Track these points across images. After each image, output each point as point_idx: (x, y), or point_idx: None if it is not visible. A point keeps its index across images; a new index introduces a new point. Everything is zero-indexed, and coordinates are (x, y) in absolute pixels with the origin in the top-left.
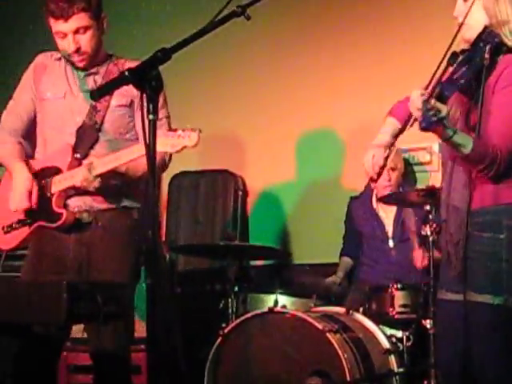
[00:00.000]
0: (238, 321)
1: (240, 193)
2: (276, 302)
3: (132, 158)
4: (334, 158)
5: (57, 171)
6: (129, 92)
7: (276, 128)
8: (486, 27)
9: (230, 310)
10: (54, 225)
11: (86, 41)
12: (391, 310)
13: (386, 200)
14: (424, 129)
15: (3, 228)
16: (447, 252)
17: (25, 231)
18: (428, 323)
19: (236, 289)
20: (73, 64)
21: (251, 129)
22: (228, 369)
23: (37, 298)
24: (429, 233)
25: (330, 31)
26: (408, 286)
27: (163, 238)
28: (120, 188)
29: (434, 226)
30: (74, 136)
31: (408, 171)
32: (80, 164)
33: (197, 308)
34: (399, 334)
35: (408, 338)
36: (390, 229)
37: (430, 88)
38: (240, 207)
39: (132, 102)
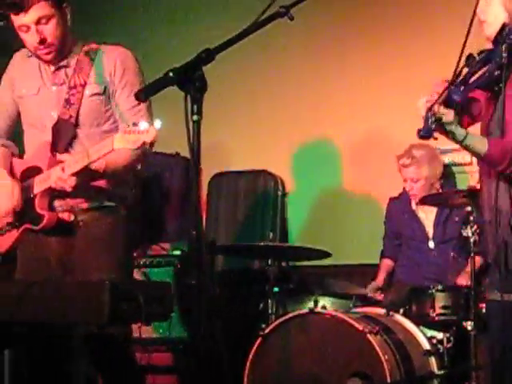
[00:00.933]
0: (278, 322)
1: (279, 193)
2: (316, 303)
3: (100, 155)
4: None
5: (38, 171)
6: (105, 76)
7: (314, 131)
8: (504, 25)
9: (270, 311)
10: (37, 227)
11: (50, 31)
12: (432, 311)
13: (425, 201)
14: (421, 137)
15: None
16: (494, 256)
17: (14, 234)
18: (469, 325)
19: (276, 289)
20: (41, 59)
21: (290, 131)
22: (268, 370)
23: (79, 298)
24: (470, 234)
25: (333, 43)
26: (449, 288)
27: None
28: (103, 188)
29: (475, 227)
30: (51, 132)
31: (448, 172)
32: (58, 163)
33: (236, 309)
34: (440, 335)
35: (448, 340)
36: (430, 230)
37: (437, 94)
38: (279, 207)
39: (105, 89)
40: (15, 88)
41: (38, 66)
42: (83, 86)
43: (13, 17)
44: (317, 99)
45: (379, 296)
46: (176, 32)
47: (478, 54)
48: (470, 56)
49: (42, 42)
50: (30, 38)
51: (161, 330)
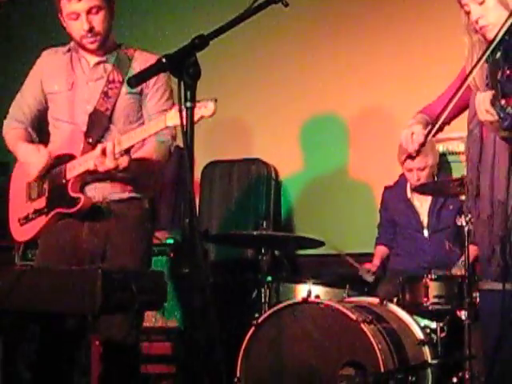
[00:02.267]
0: (271, 311)
1: (273, 182)
2: (309, 292)
3: (157, 129)
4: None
5: (70, 158)
6: None
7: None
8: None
9: (263, 300)
10: (73, 209)
11: (98, 21)
12: (425, 300)
13: (420, 190)
14: (507, 128)
15: (19, 220)
16: (492, 248)
17: (42, 221)
18: (463, 314)
19: (269, 279)
20: (84, 48)
21: (283, 118)
22: (261, 359)
23: (70, 286)
24: (464, 223)
25: (343, 23)
26: (443, 277)
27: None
28: (131, 179)
29: (470, 216)
30: (85, 123)
31: (443, 161)
32: (93, 148)
33: (229, 298)
34: (433, 324)
35: (442, 329)
36: (424, 218)
37: (494, 89)
38: (273, 196)
39: (142, 91)
40: (45, 85)
41: (71, 61)
42: (121, 82)
43: (62, 3)
44: (310, 86)
45: (370, 277)
46: (169, 20)
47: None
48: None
49: (91, 30)
50: (79, 26)
51: (153, 320)
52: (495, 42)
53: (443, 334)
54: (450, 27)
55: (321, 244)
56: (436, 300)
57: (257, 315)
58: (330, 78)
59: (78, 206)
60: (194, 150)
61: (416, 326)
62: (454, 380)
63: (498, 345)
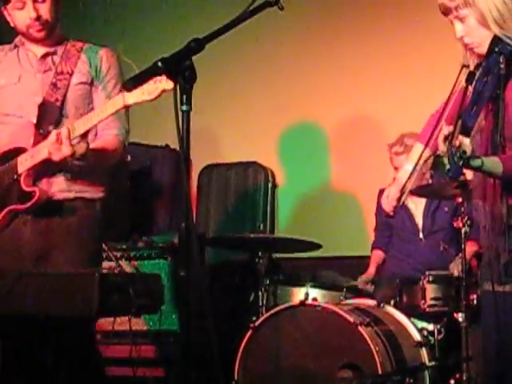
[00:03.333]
0: (269, 314)
1: (269, 185)
2: (307, 295)
3: (110, 113)
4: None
5: (21, 151)
6: (89, 70)
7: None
8: (495, 37)
9: (261, 303)
10: (28, 204)
11: (46, 9)
12: (422, 302)
13: (416, 193)
14: (451, 178)
15: None
16: (488, 257)
17: None
18: (460, 316)
19: (266, 281)
20: (31, 39)
21: (278, 122)
22: (258, 361)
23: (67, 290)
24: (461, 225)
25: (323, 34)
26: (439, 279)
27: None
28: (84, 175)
29: (466, 218)
30: (35, 115)
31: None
32: (45, 139)
33: (227, 301)
34: (430, 326)
35: (439, 331)
36: (419, 221)
37: (453, 127)
38: (270, 199)
39: (92, 81)
40: None
41: (18, 56)
42: (70, 74)
43: None
44: (307, 92)
45: (370, 288)
46: (165, 23)
47: (476, 69)
48: (470, 74)
49: (38, 18)
50: (25, 15)
51: (151, 323)
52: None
53: (440, 336)
54: (437, 37)
55: (318, 247)
56: (433, 302)
57: (254, 318)
58: (325, 84)
59: (34, 200)
60: (190, 154)
61: (413, 328)
62: (452, 382)
63: (500, 347)
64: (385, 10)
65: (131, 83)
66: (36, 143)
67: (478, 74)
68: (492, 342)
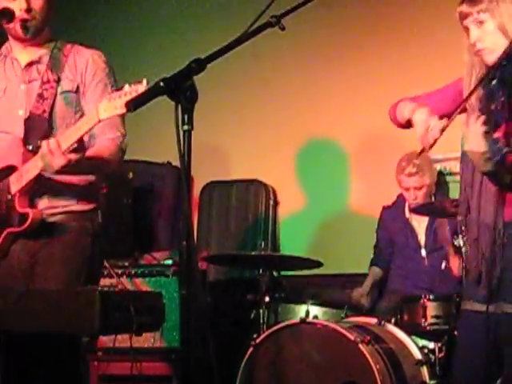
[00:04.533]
0: (270, 331)
1: (271, 202)
2: (307, 313)
3: (90, 126)
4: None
5: (12, 170)
6: (76, 76)
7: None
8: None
9: (262, 321)
10: (21, 228)
11: (37, 3)
12: (423, 320)
13: (418, 210)
14: (498, 162)
15: None
16: (479, 271)
17: None
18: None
19: (267, 299)
20: (17, 38)
21: (280, 140)
22: (260, 379)
23: (69, 307)
24: (461, 243)
25: (340, 49)
26: (440, 297)
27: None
28: (69, 189)
29: (466, 236)
30: (22, 128)
31: (441, 181)
32: (35, 155)
33: (228, 318)
34: (431, 345)
35: (440, 350)
36: (422, 238)
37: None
38: (271, 217)
39: (78, 88)
40: None
41: (3, 66)
42: (57, 81)
43: None
44: (307, 110)
45: (365, 301)
46: (166, 42)
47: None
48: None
49: (29, 10)
50: (17, 5)
51: (152, 340)
52: (492, 70)
53: (441, 354)
54: (447, 49)
55: (318, 265)
56: (434, 320)
57: (255, 335)
58: (328, 101)
59: (27, 223)
60: (191, 172)
61: (414, 347)
62: None
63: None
64: (396, 22)
65: (135, 104)
66: (25, 160)
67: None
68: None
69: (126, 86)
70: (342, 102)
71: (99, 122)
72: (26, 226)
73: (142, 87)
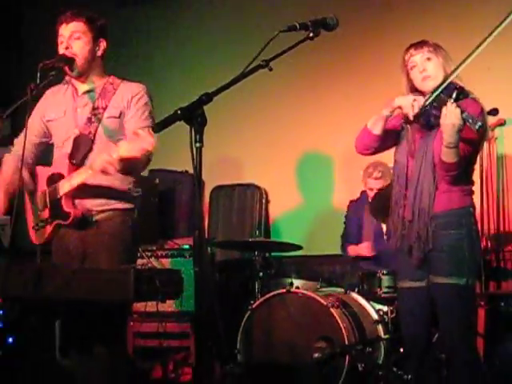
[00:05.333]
0: (263, 299)
1: (263, 201)
2: (291, 284)
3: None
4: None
5: (60, 177)
6: (121, 104)
7: (288, 152)
8: (445, 78)
9: (257, 291)
10: (66, 222)
11: (77, 46)
12: (379, 290)
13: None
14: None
15: (33, 227)
16: (409, 246)
17: (48, 229)
18: None
19: (261, 274)
20: (67, 74)
21: (273, 152)
22: (255, 335)
23: (111, 280)
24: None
25: (331, 73)
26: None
27: (206, 237)
28: (112, 193)
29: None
30: (71, 145)
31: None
32: (77, 169)
33: (231, 289)
34: (385, 308)
35: (392, 312)
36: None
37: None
38: (264, 213)
39: (121, 113)
40: (46, 114)
41: (65, 92)
42: (104, 109)
43: (58, 28)
44: (298, 126)
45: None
46: (186, 77)
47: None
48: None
49: (67, 48)
50: (61, 46)
51: (173, 305)
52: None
53: (392, 315)
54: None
55: (298, 248)
56: (387, 290)
57: (252, 302)
58: (316, 120)
59: (70, 219)
60: (202, 178)
61: (372, 310)
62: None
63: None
64: (384, 42)
65: (158, 127)
66: (69, 171)
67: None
68: (412, 330)
69: (140, 132)
70: (327, 119)
71: (122, 159)
72: (69, 221)
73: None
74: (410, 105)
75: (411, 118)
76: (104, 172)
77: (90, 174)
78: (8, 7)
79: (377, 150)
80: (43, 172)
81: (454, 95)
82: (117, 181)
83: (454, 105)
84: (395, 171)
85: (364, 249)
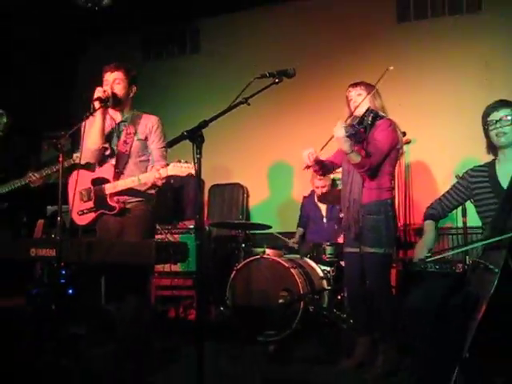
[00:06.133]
0: (244, 262)
1: (245, 195)
2: (264, 252)
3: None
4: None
5: (105, 180)
6: (145, 131)
7: (263, 160)
8: (368, 108)
9: (240, 256)
10: (112, 212)
11: (118, 88)
12: (324, 256)
13: (322, 201)
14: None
15: (77, 212)
16: (349, 225)
17: (91, 216)
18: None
19: (243, 245)
20: (106, 105)
21: (251, 161)
22: (239, 288)
23: (140, 249)
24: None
25: (289, 108)
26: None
27: (206, 219)
28: (139, 192)
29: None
30: (114, 158)
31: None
32: (120, 175)
33: (223, 256)
34: (328, 268)
35: (333, 271)
36: (324, 213)
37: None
38: (245, 203)
39: (147, 137)
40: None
41: (110, 122)
42: (134, 133)
43: (104, 74)
44: (272, 141)
45: (294, 245)
46: (190, 110)
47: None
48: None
49: (111, 93)
50: (106, 87)
51: (182, 266)
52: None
53: (333, 274)
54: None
55: (269, 227)
56: (329, 255)
57: (237, 264)
58: (281, 138)
59: (115, 211)
60: (202, 179)
61: (319, 270)
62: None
63: (356, 286)
64: (329, 85)
65: (169, 145)
66: (115, 178)
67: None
68: (352, 284)
69: (183, 163)
70: (289, 138)
71: (164, 177)
72: (114, 212)
73: (192, 166)
74: (306, 157)
75: (309, 164)
76: (153, 185)
77: (134, 183)
78: (64, 64)
79: (324, 174)
80: (85, 174)
81: (372, 117)
82: (141, 185)
83: (339, 122)
84: (342, 174)
85: None
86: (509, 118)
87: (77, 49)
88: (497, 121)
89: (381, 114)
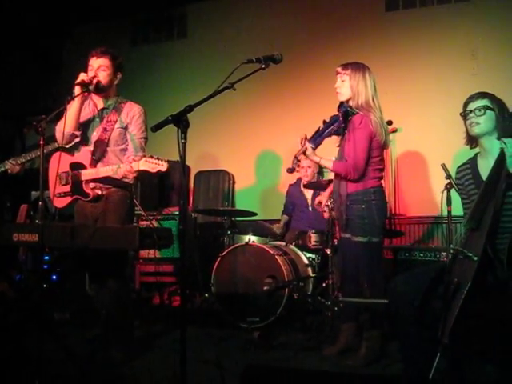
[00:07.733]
0: (229, 249)
1: (231, 182)
2: (249, 239)
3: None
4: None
5: (81, 165)
6: (125, 120)
7: (250, 148)
8: (341, 102)
9: (226, 243)
10: (86, 199)
11: (102, 75)
12: (309, 243)
13: (307, 186)
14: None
15: (55, 195)
16: (338, 216)
17: (68, 199)
18: (328, 251)
19: (229, 232)
20: (88, 90)
21: (237, 148)
22: (224, 274)
23: (124, 235)
24: (329, 203)
25: (277, 96)
26: (318, 231)
27: (191, 206)
28: (115, 180)
29: (332, 200)
30: (92, 146)
31: (320, 170)
32: (97, 163)
33: (208, 242)
34: (313, 256)
35: (318, 258)
36: (309, 201)
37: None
38: (231, 190)
39: (126, 126)
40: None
41: (89, 106)
42: (115, 122)
43: (90, 59)
44: (259, 130)
45: (278, 231)
46: (177, 95)
47: (330, 119)
48: (324, 120)
49: (94, 77)
50: (90, 73)
51: (167, 253)
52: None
53: (318, 261)
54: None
55: (254, 214)
56: (314, 243)
57: (222, 251)
58: (268, 127)
59: (89, 198)
60: (187, 165)
61: (304, 257)
62: (324, 284)
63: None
64: (315, 72)
65: (154, 129)
66: (90, 164)
67: (328, 121)
68: (343, 265)
69: (156, 159)
70: (275, 127)
71: (138, 171)
72: (88, 199)
73: (165, 164)
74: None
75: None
76: (124, 177)
77: (112, 172)
78: (49, 49)
79: None
80: (66, 157)
81: (342, 114)
82: (117, 175)
83: (308, 144)
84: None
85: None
86: (482, 108)
87: (63, 33)
88: (471, 111)
89: (351, 110)
